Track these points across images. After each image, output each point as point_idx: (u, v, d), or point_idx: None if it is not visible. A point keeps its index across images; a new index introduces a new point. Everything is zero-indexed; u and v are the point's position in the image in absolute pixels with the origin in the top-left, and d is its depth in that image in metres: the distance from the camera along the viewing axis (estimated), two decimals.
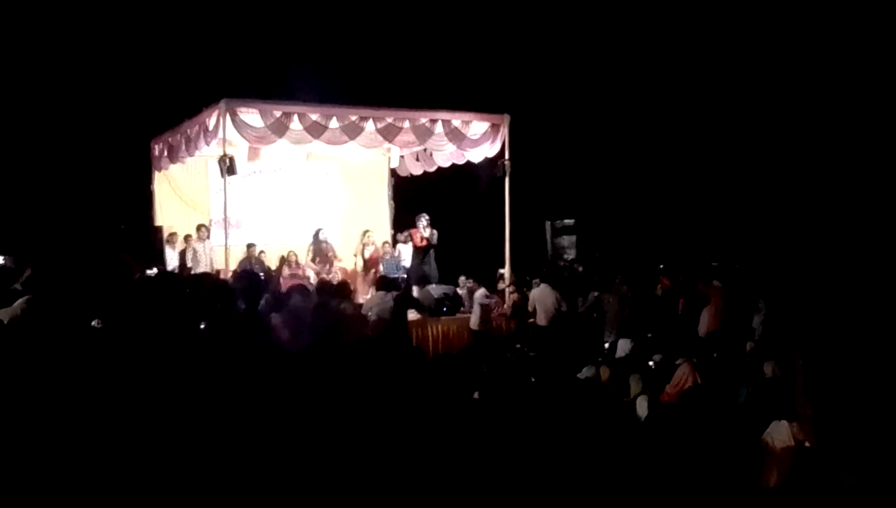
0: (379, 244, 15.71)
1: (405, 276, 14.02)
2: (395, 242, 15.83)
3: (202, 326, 4.95)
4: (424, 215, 14.22)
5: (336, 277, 14.52)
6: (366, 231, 15.66)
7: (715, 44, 17.91)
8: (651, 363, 8.88)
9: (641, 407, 6.96)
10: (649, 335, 11.10)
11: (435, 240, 13.83)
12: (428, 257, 13.91)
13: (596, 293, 13.02)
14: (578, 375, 8.27)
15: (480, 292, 13.10)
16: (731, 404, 6.62)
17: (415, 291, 13.38)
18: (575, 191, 18.46)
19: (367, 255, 15.42)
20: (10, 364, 3.90)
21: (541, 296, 12.55)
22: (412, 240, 14.45)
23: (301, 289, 8.56)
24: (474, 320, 12.70)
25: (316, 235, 15.20)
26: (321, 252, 15.05)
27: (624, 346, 10.28)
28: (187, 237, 14.72)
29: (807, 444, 2.78)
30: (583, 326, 12.66)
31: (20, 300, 4.95)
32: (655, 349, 9.61)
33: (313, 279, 13.82)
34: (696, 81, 18.24)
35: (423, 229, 13.92)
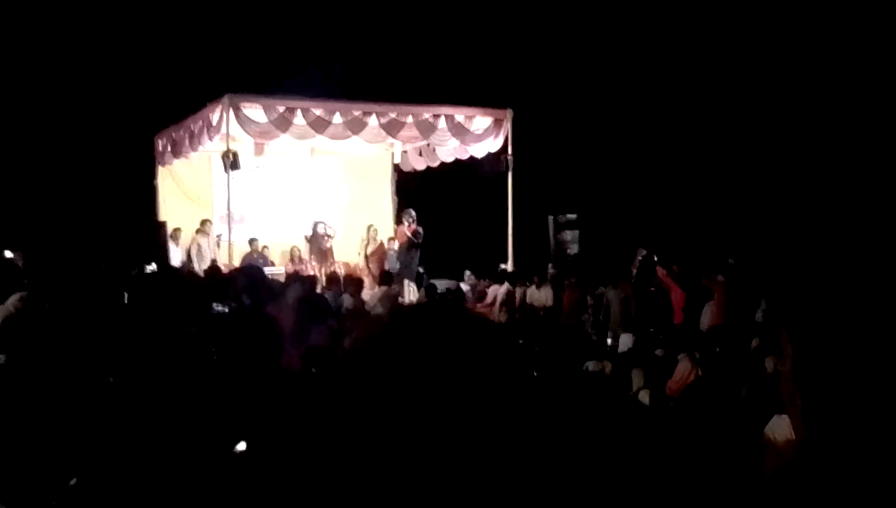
0: (383, 239, 15.68)
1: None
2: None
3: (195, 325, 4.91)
4: (409, 211, 14.39)
5: (339, 270, 14.55)
6: (370, 226, 15.64)
7: (717, 37, 17.88)
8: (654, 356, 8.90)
9: (644, 402, 6.99)
10: (651, 330, 11.11)
11: (418, 239, 13.99)
12: (413, 253, 14.04)
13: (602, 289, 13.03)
14: (584, 368, 8.31)
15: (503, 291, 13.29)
16: (733, 399, 6.63)
17: (405, 286, 13.44)
18: (577, 185, 18.46)
19: (369, 250, 15.42)
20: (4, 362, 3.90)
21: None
22: (396, 236, 14.53)
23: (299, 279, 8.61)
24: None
25: (314, 228, 15.15)
26: (318, 245, 15.01)
27: (626, 341, 10.29)
28: (198, 232, 14.72)
29: (795, 435, 2.80)
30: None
31: (14, 297, 4.83)
32: (657, 343, 9.62)
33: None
34: (701, 73, 18.21)
35: (407, 227, 14.08)
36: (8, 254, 12.01)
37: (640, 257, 13.54)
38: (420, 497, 1.04)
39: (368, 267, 15.03)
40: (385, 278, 11.64)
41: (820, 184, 15.76)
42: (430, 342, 1.11)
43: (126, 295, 5.14)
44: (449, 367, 1.08)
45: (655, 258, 12.87)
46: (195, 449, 2.83)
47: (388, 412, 1.06)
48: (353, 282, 10.47)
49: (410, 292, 13.69)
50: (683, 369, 7.72)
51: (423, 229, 14.25)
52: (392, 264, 14.28)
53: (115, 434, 2.76)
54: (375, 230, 15.46)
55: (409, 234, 14.04)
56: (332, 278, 12.54)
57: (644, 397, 7.09)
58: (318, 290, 10.33)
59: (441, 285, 13.57)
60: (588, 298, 12.98)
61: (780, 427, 5.09)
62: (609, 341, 11.51)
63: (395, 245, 15.27)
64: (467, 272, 15.41)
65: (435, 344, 1.10)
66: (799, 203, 15.98)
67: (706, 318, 10.85)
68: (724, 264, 11.80)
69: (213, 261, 13.02)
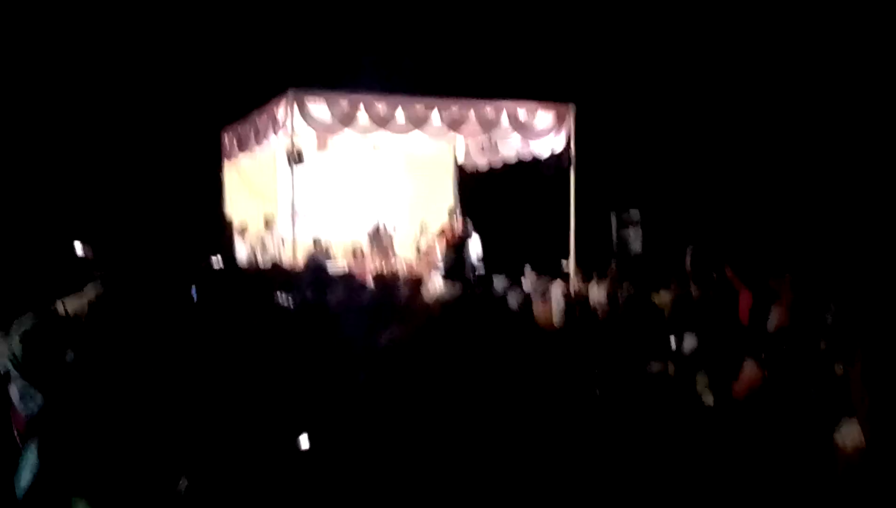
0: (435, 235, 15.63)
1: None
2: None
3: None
4: (454, 207, 14.46)
5: (401, 267, 14.62)
6: (422, 222, 15.64)
7: (788, 33, 17.48)
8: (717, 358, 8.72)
9: (708, 404, 6.86)
10: (716, 331, 10.90)
11: (468, 233, 14.02)
12: (465, 248, 14.03)
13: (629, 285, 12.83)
14: (647, 368, 8.20)
15: (558, 290, 13.06)
16: (801, 402, 6.48)
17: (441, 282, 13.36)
18: (641, 182, 18.24)
19: (423, 245, 15.42)
20: (83, 351, 3.99)
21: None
22: (445, 236, 14.47)
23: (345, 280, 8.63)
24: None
25: (376, 226, 15.27)
26: (380, 242, 15.11)
27: (690, 341, 10.12)
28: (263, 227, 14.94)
29: (862, 440, 2.71)
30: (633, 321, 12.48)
31: (90, 288, 4.90)
32: (723, 344, 9.44)
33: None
34: (770, 67, 17.83)
35: (457, 222, 14.13)
36: (78, 248, 12.37)
37: (689, 257, 13.31)
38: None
39: (423, 262, 15.06)
40: (450, 274, 11.65)
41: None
42: (460, 342, 1.09)
43: (194, 288, 5.24)
44: (474, 366, 1.07)
45: (722, 257, 12.63)
46: (259, 443, 2.87)
47: (417, 409, 1.05)
48: (412, 281, 10.48)
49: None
50: (749, 371, 7.55)
51: (485, 226, 14.23)
52: (447, 261, 14.27)
53: (183, 429, 2.81)
54: (428, 226, 15.46)
55: (456, 231, 14.05)
56: (390, 278, 12.62)
57: (709, 399, 6.96)
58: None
59: (501, 282, 13.50)
60: (619, 295, 12.81)
61: (850, 432, 4.95)
62: (672, 341, 11.33)
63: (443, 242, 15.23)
64: (527, 268, 15.32)
65: (463, 343, 1.09)
66: (872, 206, 15.54)
67: (773, 320, 10.62)
68: (792, 265, 11.54)
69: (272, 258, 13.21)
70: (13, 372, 4.24)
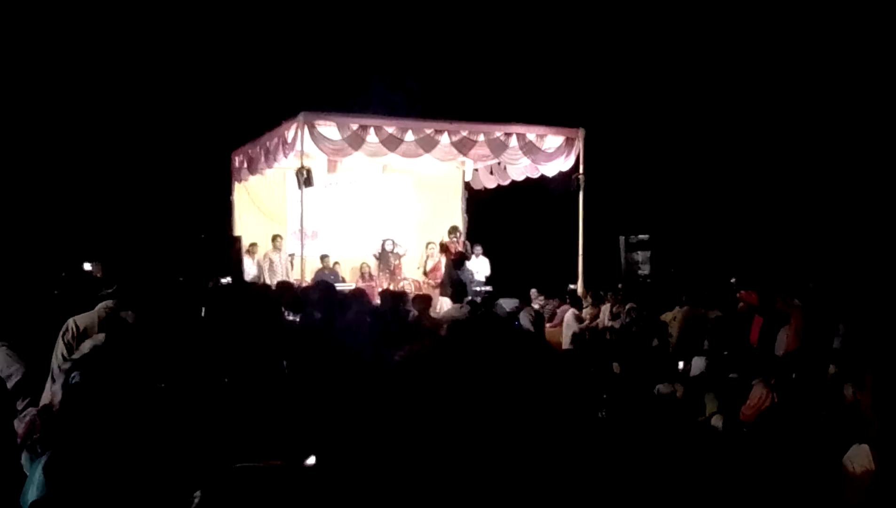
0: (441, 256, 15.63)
1: (477, 289, 14.03)
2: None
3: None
4: (456, 226, 14.51)
5: (409, 288, 14.60)
6: (428, 243, 15.63)
7: (794, 62, 17.53)
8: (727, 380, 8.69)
9: (717, 427, 6.85)
10: (725, 353, 10.86)
11: (468, 254, 14.14)
12: (464, 266, 14.06)
13: (632, 305, 12.81)
14: (655, 391, 8.19)
15: (570, 314, 13.06)
16: (809, 426, 6.44)
17: (447, 302, 13.31)
18: (650, 205, 18.24)
19: (429, 266, 15.41)
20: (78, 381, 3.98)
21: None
22: (447, 252, 14.47)
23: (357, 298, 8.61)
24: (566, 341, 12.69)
25: (383, 245, 15.29)
26: (387, 262, 15.13)
27: (698, 364, 10.09)
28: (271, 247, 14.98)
29: (874, 465, 2.69)
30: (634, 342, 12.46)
31: (101, 305, 4.87)
32: (731, 367, 9.40)
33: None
34: (777, 93, 17.86)
35: (458, 243, 14.19)
36: (87, 266, 12.43)
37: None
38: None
39: (429, 281, 15.04)
40: (456, 295, 11.63)
41: None
42: (477, 361, 1.10)
43: (203, 308, 5.25)
44: (492, 384, 1.08)
45: (733, 281, 12.62)
46: (270, 460, 2.87)
47: (433, 425, 1.06)
48: (422, 299, 10.46)
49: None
50: (758, 394, 7.53)
51: (493, 247, 14.26)
52: (447, 279, 14.28)
53: (191, 445, 2.82)
54: (434, 247, 15.44)
55: (457, 249, 14.09)
56: (398, 294, 12.60)
57: (717, 422, 6.94)
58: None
59: (509, 304, 13.50)
60: (624, 317, 12.79)
61: (858, 457, 4.93)
62: (681, 364, 11.29)
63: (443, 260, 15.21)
64: (534, 291, 15.30)
65: (482, 362, 1.10)
66: (881, 230, 15.51)
67: (782, 343, 10.58)
68: (802, 287, 11.49)
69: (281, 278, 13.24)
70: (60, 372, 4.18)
